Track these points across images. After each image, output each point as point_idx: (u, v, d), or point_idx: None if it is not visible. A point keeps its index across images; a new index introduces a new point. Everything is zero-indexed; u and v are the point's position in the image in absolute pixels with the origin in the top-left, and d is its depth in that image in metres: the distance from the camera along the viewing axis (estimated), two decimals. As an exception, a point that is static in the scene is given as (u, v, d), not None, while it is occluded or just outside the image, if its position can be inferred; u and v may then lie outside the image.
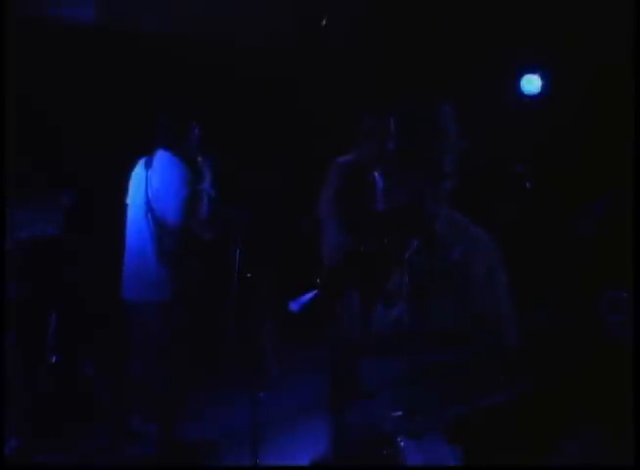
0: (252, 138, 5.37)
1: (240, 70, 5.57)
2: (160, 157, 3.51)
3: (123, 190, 3.63)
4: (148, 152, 3.57)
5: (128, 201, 3.59)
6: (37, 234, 3.81)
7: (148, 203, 3.42)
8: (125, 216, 3.58)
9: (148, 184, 3.43)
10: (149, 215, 3.42)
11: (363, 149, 3.62)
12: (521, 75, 5.94)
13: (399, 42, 6.02)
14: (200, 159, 3.55)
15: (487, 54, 5.84)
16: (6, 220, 3.56)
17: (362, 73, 6.05)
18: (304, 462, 3.68)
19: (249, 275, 3.77)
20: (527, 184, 5.10)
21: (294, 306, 3.57)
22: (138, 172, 3.54)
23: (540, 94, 5.91)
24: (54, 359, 3.88)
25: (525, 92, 5.94)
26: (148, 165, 3.49)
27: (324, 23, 5.94)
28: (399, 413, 4.00)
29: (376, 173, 3.32)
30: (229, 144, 5.42)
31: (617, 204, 5.05)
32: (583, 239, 5.17)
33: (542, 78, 5.88)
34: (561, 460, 3.06)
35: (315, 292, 3.55)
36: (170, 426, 3.66)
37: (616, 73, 5.25)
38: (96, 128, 4.59)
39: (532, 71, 5.90)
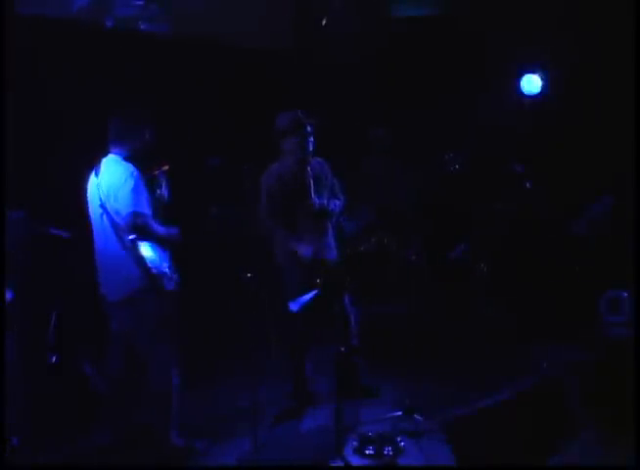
0: (251, 138, 5.37)
1: (237, 70, 5.57)
2: (106, 161, 3.64)
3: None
4: (102, 156, 3.64)
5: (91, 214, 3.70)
6: (38, 233, 3.83)
7: (102, 206, 3.54)
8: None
9: (99, 190, 3.56)
10: (104, 217, 3.54)
11: (286, 145, 4.11)
12: (521, 75, 5.94)
13: (399, 43, 6.03)
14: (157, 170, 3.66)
15: (488, 54, 5.85)
16: (5, 220, 3.58)
17: (363, 76, 6.05)
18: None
19: (249, 275, 3.78)
20: (527, 184, 5.11)
21: (294, 307, 3.57)
22: (91, 182, 3.66)
23: (540, 94, 5.92)
24: (54, 359, 3.88)
25: (526, 92, 5.94)
26: (97, 174, 3.62)
27: (324, 22, 5.94)
28: (399, 413, 4.02)
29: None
30: (227, 144, 5.42)
31: (616, 205, 5.05)
32: (577, 239, 5.19)
33: (542, 78, 5.88)
34: (561, 460, 3.05)
35: (315, 292, 3.56)
36: (167, 427, 3.65)
37: (616, 73, 5.26)
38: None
39: (532, 71, 5.91)
